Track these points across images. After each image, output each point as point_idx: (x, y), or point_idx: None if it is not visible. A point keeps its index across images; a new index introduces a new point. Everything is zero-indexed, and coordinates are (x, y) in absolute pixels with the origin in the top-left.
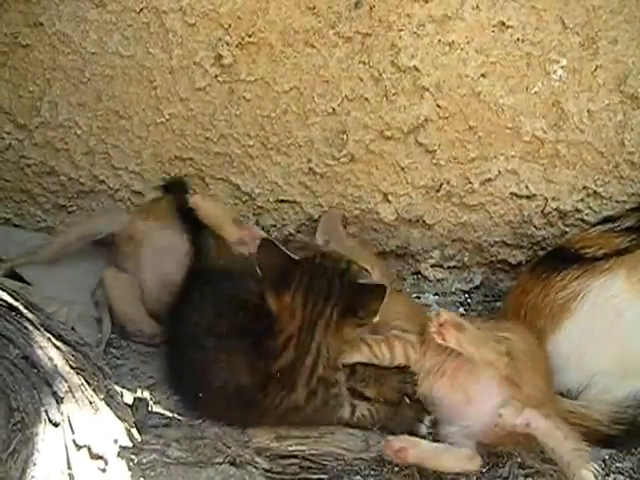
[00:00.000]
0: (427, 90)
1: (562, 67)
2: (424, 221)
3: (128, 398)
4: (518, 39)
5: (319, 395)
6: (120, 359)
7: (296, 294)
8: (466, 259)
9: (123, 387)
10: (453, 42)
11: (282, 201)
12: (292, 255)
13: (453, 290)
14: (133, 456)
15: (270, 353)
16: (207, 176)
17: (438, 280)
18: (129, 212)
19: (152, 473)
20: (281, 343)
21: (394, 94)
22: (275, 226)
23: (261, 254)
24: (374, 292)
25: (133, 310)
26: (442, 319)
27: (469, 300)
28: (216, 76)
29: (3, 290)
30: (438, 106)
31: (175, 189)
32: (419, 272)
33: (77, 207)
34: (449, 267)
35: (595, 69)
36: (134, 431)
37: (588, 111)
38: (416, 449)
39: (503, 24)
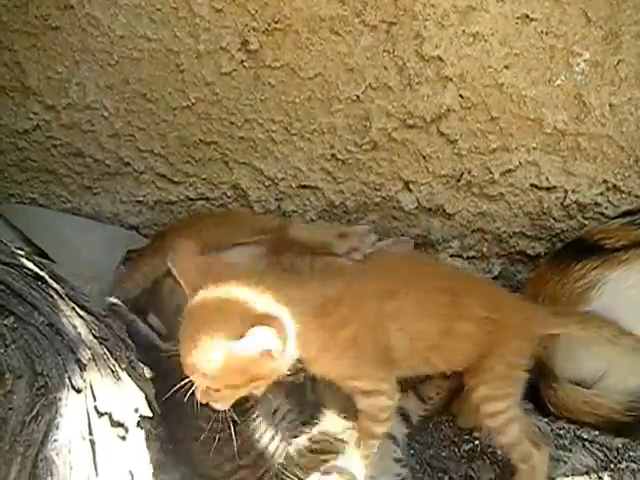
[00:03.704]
0: (450, 80)
1: (585, 60)
2: (444, 210)
3: (149, 373)
4: (542, 32)
5: None
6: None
7: None
8: (485, 249)
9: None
10: (477, 33)
11: (304, 187)
12: None
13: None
14: (152, 428)
15: None
16: (231, 160)
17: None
18: None
19: (170, 446)
20: None
21: (417, 83)
22: (296, 212)
23: None
24: None
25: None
26: None
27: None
28: (242, 61)
29: (29, 260)
30: (461, 96)
31: None
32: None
33: (102, 189)
34: (468, 257)
35: (617, 63)
36: (154, 403)
37: (610, 105)
38: None
39: (527, 16)
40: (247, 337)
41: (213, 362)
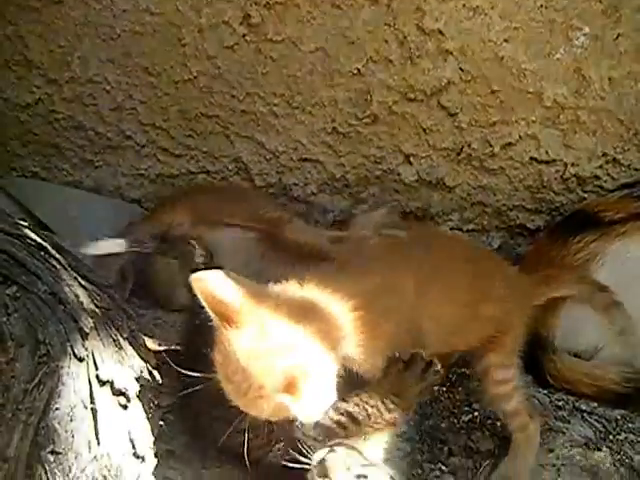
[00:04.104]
0: (451, 53)
1: (584, 34)
2: (444, 183)
3: (151, 345)
4: (542, 5)
5: None
6: (142, 309)
7: None
8: (485, 223)
9: (146, 335)
10: (477, 7)
11: (305, 160)
12: None
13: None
14: (153, 397)
15: None
16: (232, 134)
17: None
18: None
19: (171, 417)
20: None
21: (418, 57)
22: (297, 185)
23: None
24: None
25: (177, 288)
26: None
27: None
28: (244, 35)
29: (32, 230)
30: (461, 69)
31: None
32: None
33: (104, 162)
34: (468, 230)
35: (617, 37)
36: (155, 372)
37: (609, 78)
38: None
39: None
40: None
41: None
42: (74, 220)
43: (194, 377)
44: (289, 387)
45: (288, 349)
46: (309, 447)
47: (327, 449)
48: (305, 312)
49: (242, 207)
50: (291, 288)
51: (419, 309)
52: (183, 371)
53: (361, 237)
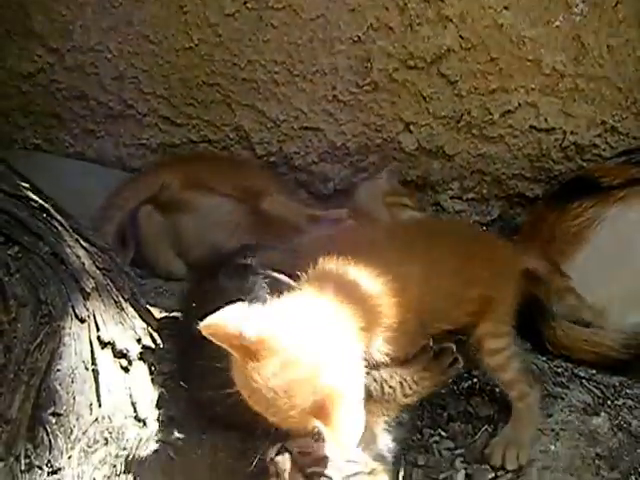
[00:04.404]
0: (450, 21)
1: (583, 1)
2: (444, 152)
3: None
4: None
5: None
6: (144, 278)
7: None
8: (485, 191)
9: (147, 303)
10: None
11: (306, 128)
12: None
13: (471, 222)
14: (155, 361)
15: None
16: (233, 102)
17: (457, 212)
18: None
19: (172, 384)
20: None
21: (418, 24)
22: (298, 153)
23: None
24: None
25: (162, 251)
26: None
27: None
28: (245, 2)
29: (34, 192)
30: (461, 37)
31: None
32: (438, 203)
33: (105, 132)
34: (468, 199)
35: (616, 4)
36: (156, 335)
37: (608, 46)
38: None
39: None
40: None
41: None
42: (76, 191)
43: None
44: (320, 412)
45: (312, 376)
46: None
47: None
48: (326, 324)
49: (230, 176)
50: (306, 298)
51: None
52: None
53: (338, 216)
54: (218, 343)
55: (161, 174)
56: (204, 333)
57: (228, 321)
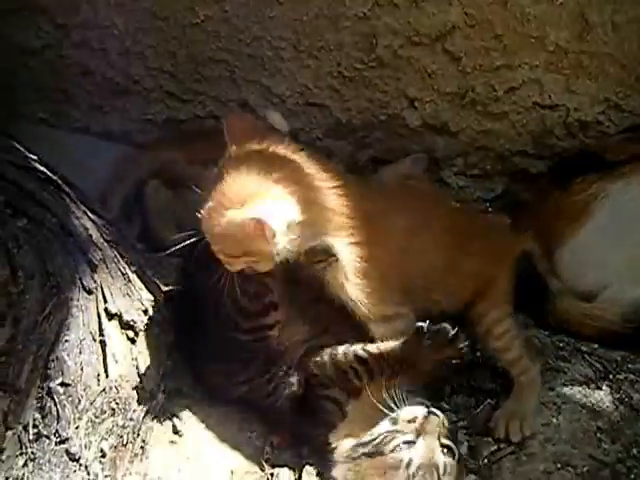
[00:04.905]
0: None
1: None
2: (449, 128)
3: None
4: None
5: None
6: (149, 252)
7: None
8: (488, 168)
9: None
10: None
11: (311, 104)
12: None
13: (475, 198)
14: (161, 332)
15: None
16: (239, 78)
17: (460, 188)
18: None
19: (178, 355)
20: None
21: (423, 1)
22: (303, 129)
23: None
24: None
25: (169, 225)
26: None
27: (490, 209)
28: None
29: (42, 164)
30: (465, 14)
31: None
32: (442, 179)
33: (112, 108)
34: (472, 175)
35: None
36: (162, 306)
37: (612, 23)
38: None
39: None
40: (244, 209)
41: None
42: (82, 166)
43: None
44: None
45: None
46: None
47: (425, 408)
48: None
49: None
50: None
51: (403, 265)
52: None
53: None
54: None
55: (165, 149)
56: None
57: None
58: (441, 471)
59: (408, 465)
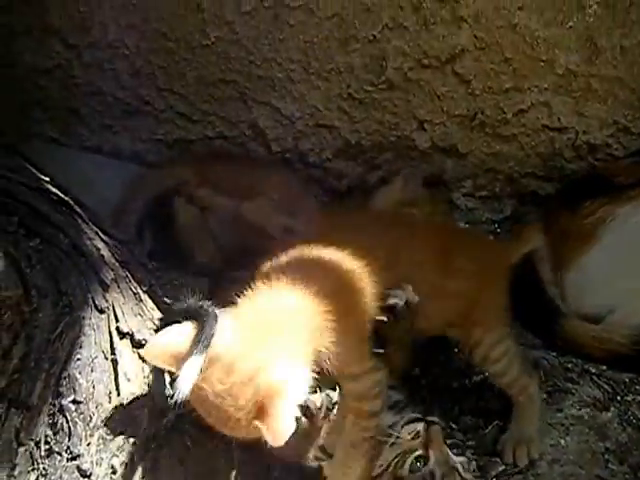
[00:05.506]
0: (465, 21)
1: (597, 2)
2: (458, 150)
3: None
4: None
5: None
6: (160, 271)
7: None
8: (497, 189)
9: (165, 295)
10: None
11: (321, 126)
12: None
13: (484, 220)
14: None
15: None
16: (249, 99)
17: (469, 209)
18: None
19: None
20: None
21: (433, 23)
22: (313, 150)
23: None
24: None
25: (202, 240)
26: None
27: (498, 230)
28: (262, 1)
29: (54, 186)
30: (475, 37)
31: None
32: (451, 201)
33: (122, 127)
34: (480, 197)
35: (629, 5)
36: None
37: (621, 47)
38: None
39: None
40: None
41: None
42: (92, 185)
43: None
44: (260, 412)
45: (253, 376)
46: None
47: (422, 421)
48: (272, 324)
49: (239, 176)
50: (256, 297)
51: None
52: None
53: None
54: (162, 366)
55: (178, 170)
56: (145, 357)
57: (163, 339)
58: (461, 470)
59: (432, 477)
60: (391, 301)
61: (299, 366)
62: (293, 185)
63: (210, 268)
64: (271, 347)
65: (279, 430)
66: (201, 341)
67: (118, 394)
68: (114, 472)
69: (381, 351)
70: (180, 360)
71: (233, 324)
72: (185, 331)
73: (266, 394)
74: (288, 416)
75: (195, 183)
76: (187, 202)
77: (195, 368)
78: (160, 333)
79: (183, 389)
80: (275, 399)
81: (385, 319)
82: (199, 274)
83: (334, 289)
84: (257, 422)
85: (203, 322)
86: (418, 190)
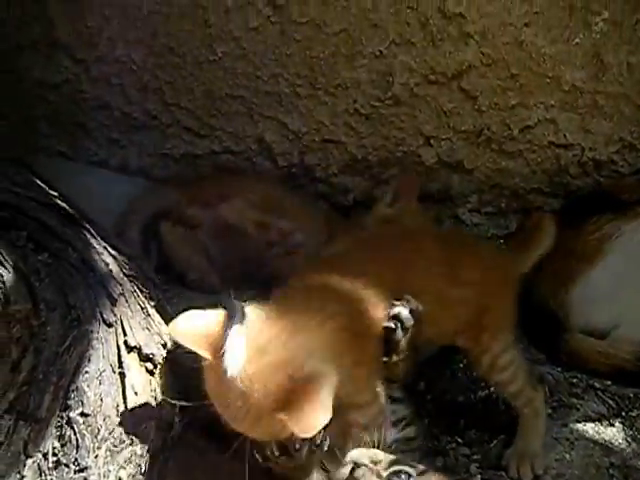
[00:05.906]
0: (471, 37)
1: (603, 19)
2: (464, 166)
3: None
4: None
5: None
6: (167, 284)
7: None
8: (503, 205)
9: (172, 309)
10: None
11: (327, 141)
12: None
13: (489, 235)
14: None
15: None
16: (256, 114)
17: (475, 225)
18: None
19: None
20: None
21: (440, 40)
22: (319, 165)
23: None
24: None
25: (194, 259)
26: None
27: (504, 246)
28: (269, 16)
29: (63, 201)
30: (482, 53)
31: None
32: (457, 216)
33: (129, 142)
34: (486, 212)
35: (636, 22)
36: None
37: (627, 64)
38: None
39: None
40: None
41: None
42: (99, 199)
43: None
44: (287, 404)
45: (288, 361)
46: None
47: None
48: (305, 326)
49: (227, 188)
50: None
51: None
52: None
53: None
54: (188, 345)
55: (174, 189)
56: (172, 335)
57: (191, 319)
58: None
59: None
60: (395, 310)
61: (331, 369)
62: (275, 187)
63: (205, 283)
64: (306, 343)
65: (311, 420)
66: (236, 316)
67: (126, 407)
68: None
69: (384, 359)
70: (211, 341)
71: (266, 314)
72: (214, 315)
73: (304, 381)
74: (323, 407)
75: (185, 202)
76: (175, 223)
77: (240, 337)
78: (187, 314)
79: (233, 361)
80: (314, 386)
81: (392, 325)
82: (196, 290)
83: (353, 315)
84: (282, 414)
85: (233, 309)
86: (412, 203)
